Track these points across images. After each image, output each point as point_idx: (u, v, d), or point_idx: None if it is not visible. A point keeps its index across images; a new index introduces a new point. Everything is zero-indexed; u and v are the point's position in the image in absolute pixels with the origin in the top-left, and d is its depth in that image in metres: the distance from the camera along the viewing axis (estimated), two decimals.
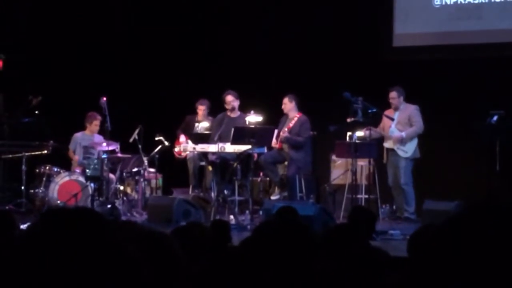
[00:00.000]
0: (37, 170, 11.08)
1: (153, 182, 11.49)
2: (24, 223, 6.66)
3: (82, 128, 11.37)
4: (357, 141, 9.87)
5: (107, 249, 1.51)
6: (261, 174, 11.10)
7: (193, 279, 2.28)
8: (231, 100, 10.79)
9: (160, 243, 2.08)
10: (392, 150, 10.40)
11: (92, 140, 11.16)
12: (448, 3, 11.36)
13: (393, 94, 10.39)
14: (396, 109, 10.41)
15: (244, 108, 10.71)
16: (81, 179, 10.71)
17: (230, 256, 2.42)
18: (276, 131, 10.43)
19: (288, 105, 10.75)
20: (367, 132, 9.93)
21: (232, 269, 2.25)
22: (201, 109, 11.32)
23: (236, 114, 10.83)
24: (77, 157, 11.22)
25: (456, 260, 1.57)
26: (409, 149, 10.32)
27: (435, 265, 1.64)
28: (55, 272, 1.47)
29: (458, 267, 1.56)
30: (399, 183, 10.36)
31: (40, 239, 1.53)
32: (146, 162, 10.96)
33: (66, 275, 1.46)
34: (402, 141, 10.31)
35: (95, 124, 11.17)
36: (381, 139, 10.48)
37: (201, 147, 10.15)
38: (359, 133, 9.98)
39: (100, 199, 10.46)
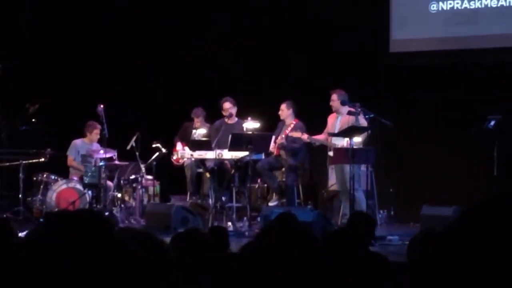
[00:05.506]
0: (35, 178, 11.06)
1: (151, 189, 11.48)
2: (22, 231, 6.63)
3: (80, 135, 11.35)
4: (354, 147, 9.80)
5: (111, 247, 1.52)
6: (259, 180, 11.10)
7: (194, 284, 2.28)
8: (228, 107, 10.82)
9: (157, 244, 2.08)
10: None
11: (90, 148, 11.15)
12: (445, 8, 11.37)
13: (333, 97, 10.02)
14: (336, 112, 10.13)
15: (241, 115, 10.72)
16: (79, 186, 10.70)
17: (231, 262, 2.42)
18: (273, 137, 10.42)
19: (285, 111, 10.74)
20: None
21: (233, 274, 2.25)
22: (197, 121, 11.36)
23: (233, 120, 10.85)
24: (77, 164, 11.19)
25: (456, 265, 1.57)
26: None
27: (435, 270, 1.64)
28: (63, 270, 1.47)
29: (459, 272, 1.56)
30: (347, 188, 9.67)
31: (47, 240, 1.54)
32: (143, 169, 10.95)
33: (73, 272, 1.47)
34: None
35: (95, 133, 11.14)
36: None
37: (199, 154, 10.12)
38: (357, 139, 9.92)
39: (98, 206, 10.44)
